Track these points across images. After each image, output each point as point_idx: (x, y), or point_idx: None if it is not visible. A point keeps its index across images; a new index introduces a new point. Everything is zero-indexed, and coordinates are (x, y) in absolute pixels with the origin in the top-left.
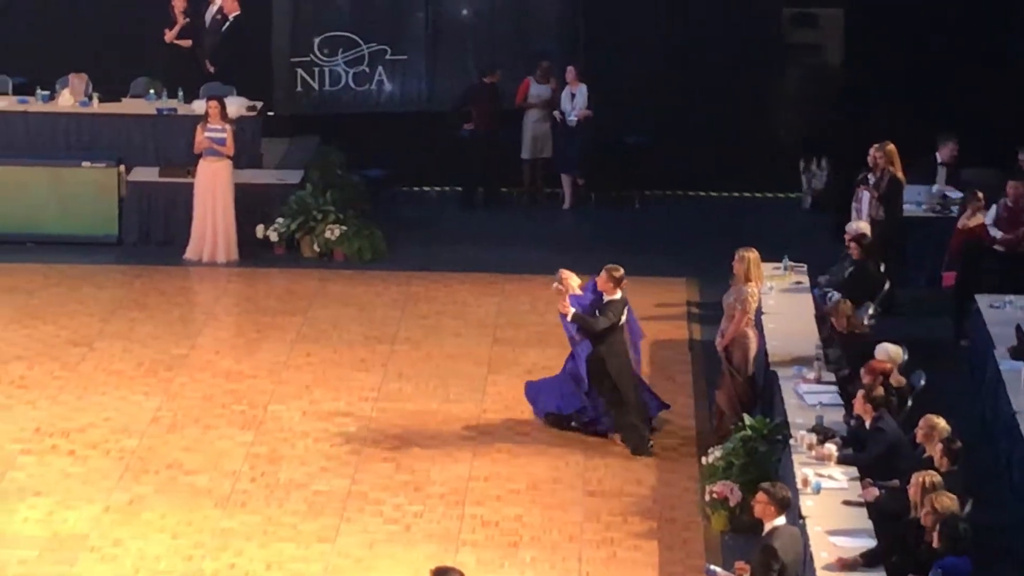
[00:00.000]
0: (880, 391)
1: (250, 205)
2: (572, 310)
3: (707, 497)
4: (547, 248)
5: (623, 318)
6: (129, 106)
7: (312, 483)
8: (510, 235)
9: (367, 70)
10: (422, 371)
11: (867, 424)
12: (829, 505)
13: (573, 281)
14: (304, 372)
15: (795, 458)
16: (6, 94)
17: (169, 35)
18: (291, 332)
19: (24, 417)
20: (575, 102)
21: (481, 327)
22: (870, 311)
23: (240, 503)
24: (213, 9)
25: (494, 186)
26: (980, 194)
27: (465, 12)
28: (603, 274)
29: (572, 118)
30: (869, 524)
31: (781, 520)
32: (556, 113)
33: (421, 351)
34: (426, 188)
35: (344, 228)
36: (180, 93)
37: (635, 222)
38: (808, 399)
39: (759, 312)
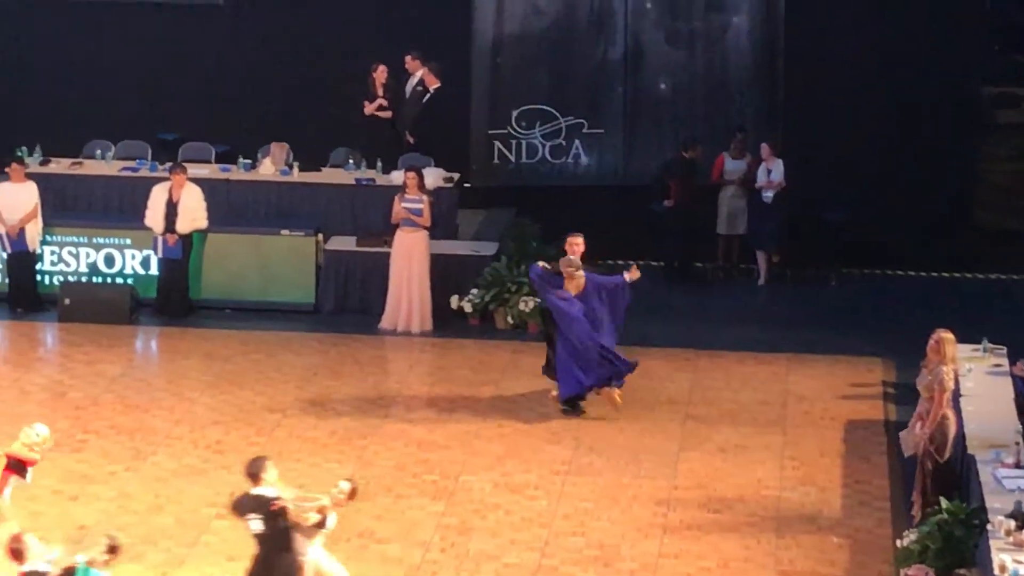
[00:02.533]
0: None
1: (445, 276)
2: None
3: None
4: (741, 324)
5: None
6: (328, 176)
7: (502, 555)
8: (704, 310)
9: (564, 143)
10: (613, 445)
11: None
12: None
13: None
14: (496, 443)
15: (992, 543)
16: (209, 162)
17: (369, 108)
18: (484, 403)
19: (219, 481)
20: (771, 177)
21: (673, 403)
22: None
23: (430, 573)
24: (414, 81)
25: (689, 261)
26: None
27: (663, 86)
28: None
29: (768, 194)
30: None
31: None
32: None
33: (613, 425)
34: (620, 262)
35: (538, 300)
36: (379, 164)
37: (831, 299)
38: (1007, 484)
39: (956, 394)
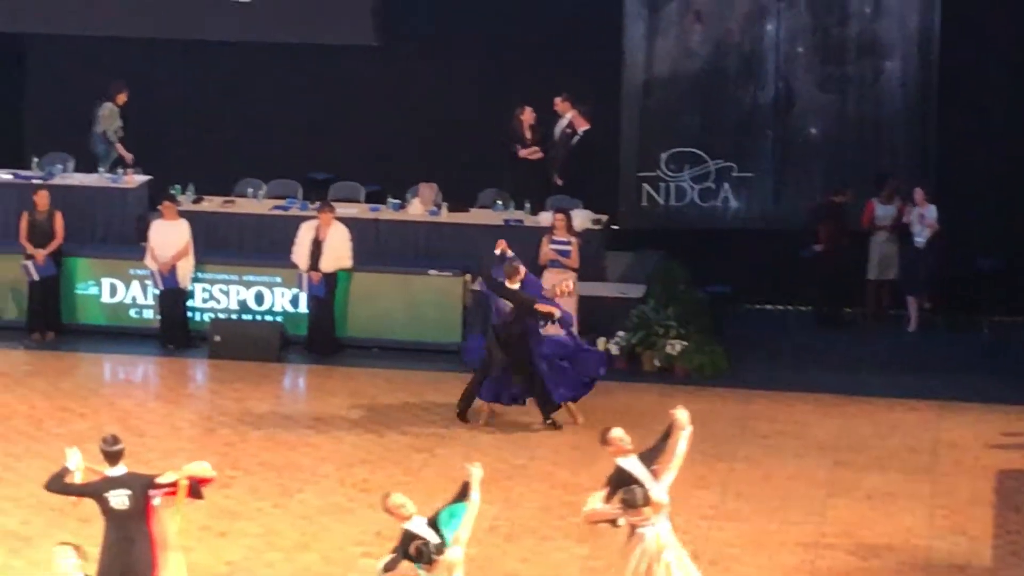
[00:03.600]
0: None
1: (593, 318)
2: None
3: None
4: (890, 371)
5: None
6: (477, 216)
7: None
8: (853, 356)
9: (713, 186)
10: (761, 491)
11: None
12: None
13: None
14: None
15: None
16: (359, 202)
17: (523, 153)
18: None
19: (366, 520)
20: (924, 223)
21: (821, 449)
22: None
23: None
24: (563, 123)
25: (838, 306)
26: None
27: (813, 131)
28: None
29: (920, 239)
30: None
31: None
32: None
33: (760, 470)
34: (768, 306)
35: (686, 344)
36: (527, 205)
37: (982, 347)
38: None
39: None
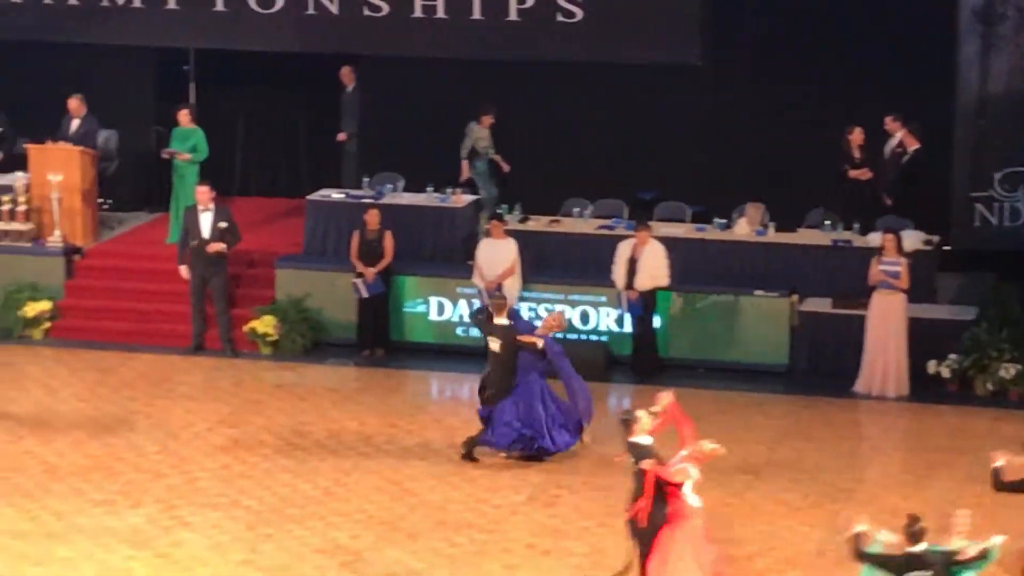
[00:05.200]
0: None
1: (923, 340)
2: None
3: None
4: None
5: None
6: (804, 236)
7: None
8: None
9: None
10: None
11: None
12: None
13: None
14: (975, 513)
15: None
16: (684, 221)
17: (853, 174)
18: (961, 471)
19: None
20: None
21: None
22: None
23: None
24: (893, 142)
25: None
26: None
27: None
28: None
29: None
30: None
31: None
32: None
33: None
34: None
35: (1020, 368)
36: (856, 225)
37: None
38: None
39: None
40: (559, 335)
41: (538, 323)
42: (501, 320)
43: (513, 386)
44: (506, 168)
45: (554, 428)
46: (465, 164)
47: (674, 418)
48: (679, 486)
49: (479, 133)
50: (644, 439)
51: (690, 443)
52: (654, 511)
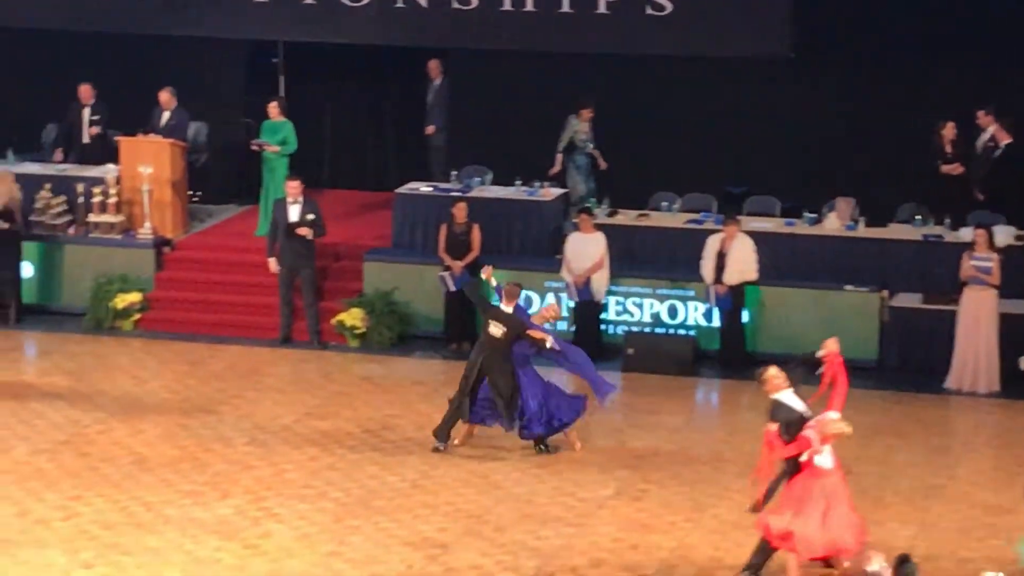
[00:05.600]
0: None
1: (1014, 335)
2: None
3: None
4: None
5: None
6: (895, 231)
7: None
8: None
9: None
10: None
11: None
12: None
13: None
14: None
15: None
16: (774, 216)
17: (945, 169)
18: None
19: None
20: None
21: None
22: None
23: None
24: (985, 137)
25: None
26: None
27: None
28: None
29: None
30: None
31: None
32: None
33: None
34: None
35: None
36: (947, 220)
37: None
38: None
39: None
40: (548, 326)
41: (532, 311)
42: (508, 308)
43: (511, 371)
44: (603, 164)
45: (535, 420)
46: (559, 157)
47: (832, 371)
48: (796, 455)
49: (578, 126)
50: (784, 396)
51: (834, 406)
52: (788, 467)
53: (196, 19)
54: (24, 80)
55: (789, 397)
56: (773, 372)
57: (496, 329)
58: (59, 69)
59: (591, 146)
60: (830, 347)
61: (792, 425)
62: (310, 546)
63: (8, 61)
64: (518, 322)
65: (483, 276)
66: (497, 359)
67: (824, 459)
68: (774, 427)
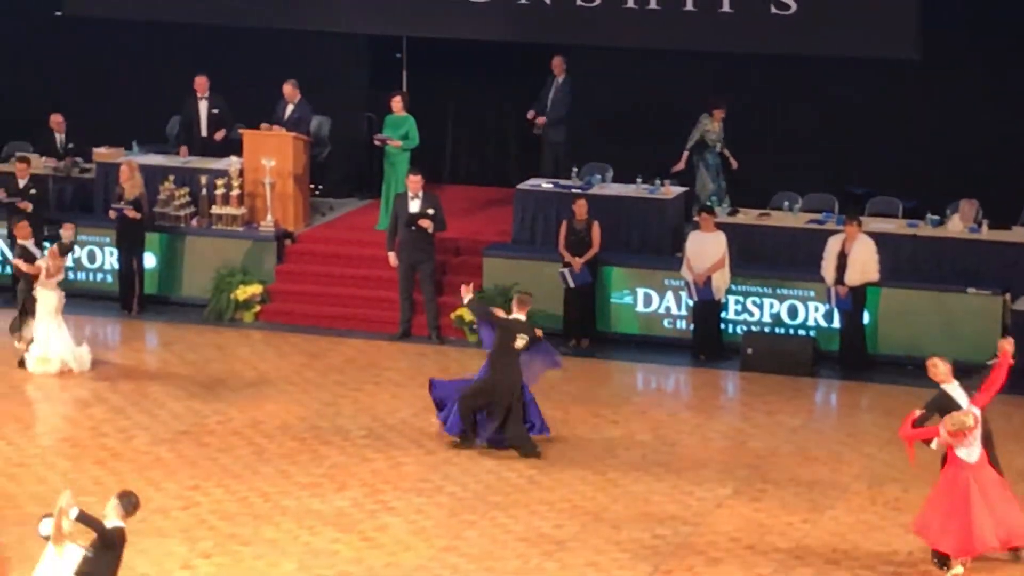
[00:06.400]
0: None
1: None
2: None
3: None
4: None
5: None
6: (1019, 234)
7: None
8: None
9: None
10: None
11: None
12: None
13: None
14: None
15: None
16: (896, 217)
17: None
18: None
19: (896, 539)
20: None
21: None
22: None
23: None
24: None
25: None
26: None
27: None
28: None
29: None
30: None
31: None
32: None
33: None
34: None
35: None
36: None
37: None
38: None
39: None
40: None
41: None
42: (523, 316)
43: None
44: (735, 164)
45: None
46: (686, 155)
47: (999, 370)
48: (921, 439)
49: (709, 125)
50: (950, 388)
51: (977, 402)
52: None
53: (322, 14)
54: (149, 73)
55: (955, 389)
56: (938, 362)
57: (521, 341)
58: (184, 62)
59: (721, 145)
60: (1004, 347)
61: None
62: (426, 540)
63: (134, 54)
64: (532, 328)
65: (462, 293)
66: (515, 370)
67: (967, 452)
68: (918, 412)
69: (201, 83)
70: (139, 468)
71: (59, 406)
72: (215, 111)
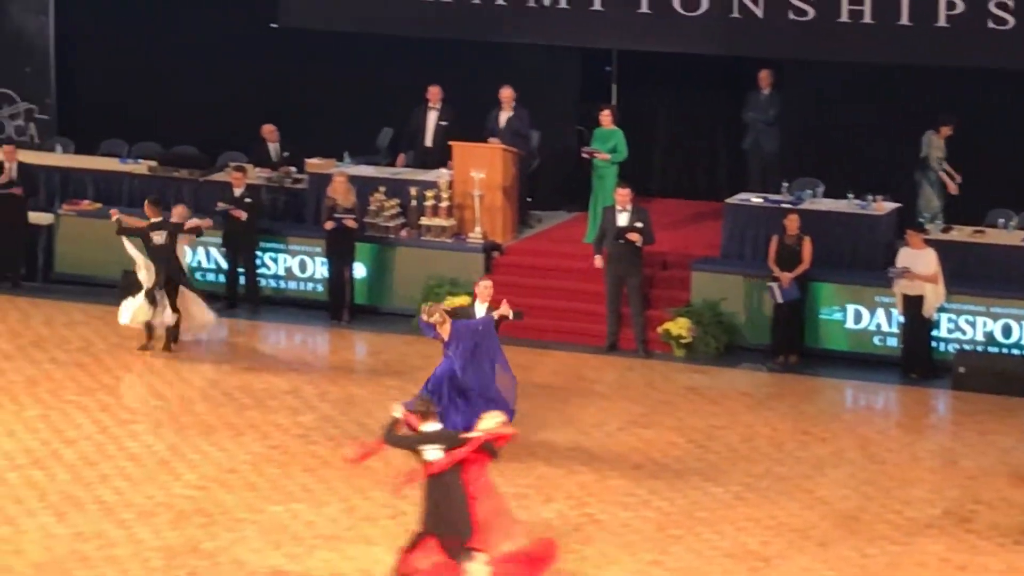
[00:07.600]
0: None
1: None
2: None
3: None
4: None
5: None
6: None
7: None
8: None
9: None
10: None
11: None
12: None
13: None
14: None
15: None
16: None
17: None
18: None
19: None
20: None
21: None
22: None
23: None
24: None
25: None
26: None
27: None
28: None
29: None
30: None
31: None
32: None
33: None
34: None
35: None
36: None
37: None
38: None
39: None
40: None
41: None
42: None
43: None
44: (953, 188)
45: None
46: (943, 173)
47: None
48: None
49: (936, 143)
50: None
51: None
52: None
53: (535, 27)
54: (359, 85)
55: None
56: None
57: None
58: (394, 75)
59: (944, 164)
60: None
61: None
62: (632, 554)
63: (344, 66)
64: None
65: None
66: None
67: None
68: None
69: (434, 93)
70: (347, 476)
71: (269, 414)
72: (443, 123)
